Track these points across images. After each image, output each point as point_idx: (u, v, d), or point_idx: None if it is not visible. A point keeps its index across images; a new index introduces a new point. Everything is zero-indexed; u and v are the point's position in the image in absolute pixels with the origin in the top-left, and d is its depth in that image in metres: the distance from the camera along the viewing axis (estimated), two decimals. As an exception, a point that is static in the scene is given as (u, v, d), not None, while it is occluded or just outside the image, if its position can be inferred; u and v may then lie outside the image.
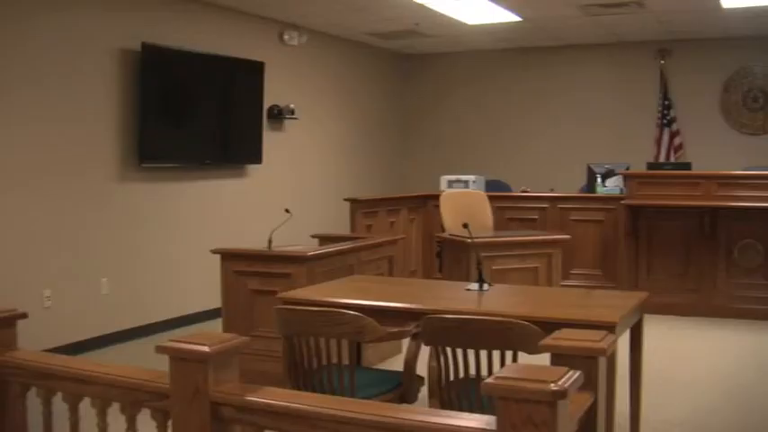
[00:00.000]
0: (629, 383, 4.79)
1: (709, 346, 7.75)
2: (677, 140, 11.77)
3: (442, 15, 10.03)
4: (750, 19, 10.30)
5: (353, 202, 9.42)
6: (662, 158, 11.62)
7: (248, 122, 9.73)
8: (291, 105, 10.41)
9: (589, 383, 2.93)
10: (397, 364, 5.35)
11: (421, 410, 2.90)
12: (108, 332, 7.92)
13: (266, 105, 10.09)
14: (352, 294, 4.83)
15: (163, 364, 2.93)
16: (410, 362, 4.30)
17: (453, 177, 10.32)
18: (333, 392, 3.93)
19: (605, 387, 3.13)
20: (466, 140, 12.87)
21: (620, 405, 4.43)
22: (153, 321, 8.38)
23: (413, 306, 4.47)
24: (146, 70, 8.19)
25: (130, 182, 8.26)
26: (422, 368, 4.21)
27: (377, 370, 5.22)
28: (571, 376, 2.43)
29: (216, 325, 7.08)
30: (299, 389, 4.08)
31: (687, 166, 9.71)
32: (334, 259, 6.43)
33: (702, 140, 11.69)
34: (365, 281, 5.82)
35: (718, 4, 9.48)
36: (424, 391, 4.28)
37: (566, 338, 3.08)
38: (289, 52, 10.54)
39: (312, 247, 6.62)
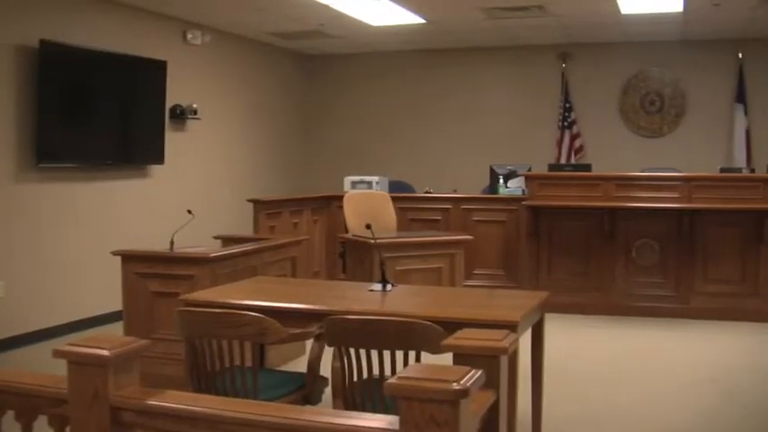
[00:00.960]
0: (531, 381, 4.87)
1: (609, 342, 7.92)
2: (578, 142, 11.99)
3: (347, 16, 10.04)
4: (647, 24, 10.55)
5: (257, 202, 9.36)
6: (563, 160, 11.82)
7: (150, 122, 9.59)
8: (195, 105, 10.30)
9: (491, 382, 2.95)
10: (300, 365, 5.34)
11: (324, 411, 2.90)
12: (4, 337, 7.70)
13: (169, 105, 9.96)
14: (254, 296, 4.80)
15: (62, 368, 2.87)
16: (313, 363, 4.29)
17: (357, 178, 10.32)
18: (236, 395, 3.90)
19: (507, 385, 3.16)
20: (370, 141, 12.90)
21: (522, 402, 4.49)
22: (52, 325, 8.17)
23: (316, 307, 4.46)
24: (44, 68, 7.99)
25: (27, 182, 8.06)
26: (326, 369, 4.21)
27: (280, 371, 5.19)
28: (473, 375, 2.45)
29: (117, 328, 6.96)
30: (201, 392, 4.03)
31: (587, 167, 9.87)
32: (237, 261, 6.38)
33: (602, 142, 11.94)
34: (268, 282, 5.79)
35: (617, 10, 9.68)
36: (327, 392, 4.28)
37: (468, 338, 3.11)
38: (192, 51, 10.43)
39: (215, 249, 6.56)
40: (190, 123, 10.40)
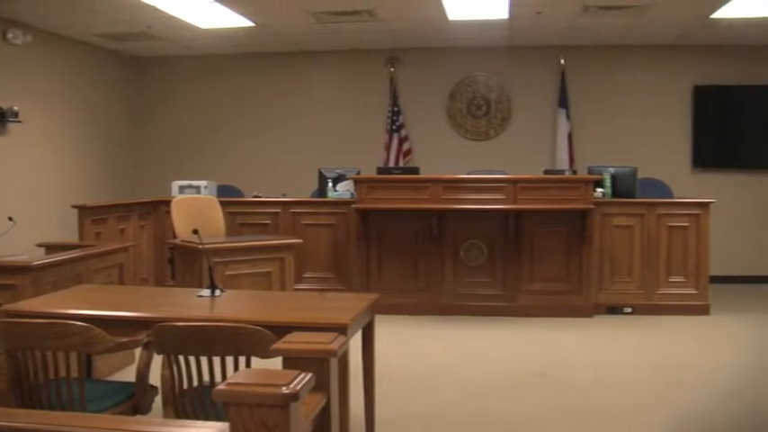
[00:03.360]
0: (363, 382, 4.91)
1: (439, 342, 8.05)
2: (406, 146, 12.15)
3: (175, 18, 9.88)
4: (474, 31, 10.80)
5: (82, 208, 9.09)
6: (391, 163, 11.95)
7: (-33, 126, 9.21)
8: (15, 108, 9.92)
9: (321, 384, 2.97)
10: (129, 374, 5.22)
11: (154, 421, 2.85)
12: None
13: (-13, 107, 9.59)
14: (80, 305, 4.66)
15: None
16: (142, 372, 4.21)
17: (185, 183, 10.16)
18: (62, 407, 3.79)
19: (338, 387, 3.18)
20: (198, 146, 12.73)
21: (354, 403, 4.52)
22: None
23: (143, 314, 4.37)
24: None
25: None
26: (155, 377, 4.14)
27: (109, 382, 5.06)
28: (302, 379, 2.47)
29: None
30: (25, 406, 3.90)
31: (415, 170, 10.01)
32: (61, 269, 6.18)
33: (430, 146, 12.15)
34: (94, 290, 5.64)
35: (445, 16, 9.87)
36: (158, 400, 4.20)
37: (297, 342, 3.12)
38: (13, 52, 10.04)
39: (38, 257, 6.33)
40: (11, 127, 10.02)
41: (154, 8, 9.29)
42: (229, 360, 3.70)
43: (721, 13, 9.79)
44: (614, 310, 9.29)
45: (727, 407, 5.85)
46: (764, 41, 11.52)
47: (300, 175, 11.29)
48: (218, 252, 6.76)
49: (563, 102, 11.97)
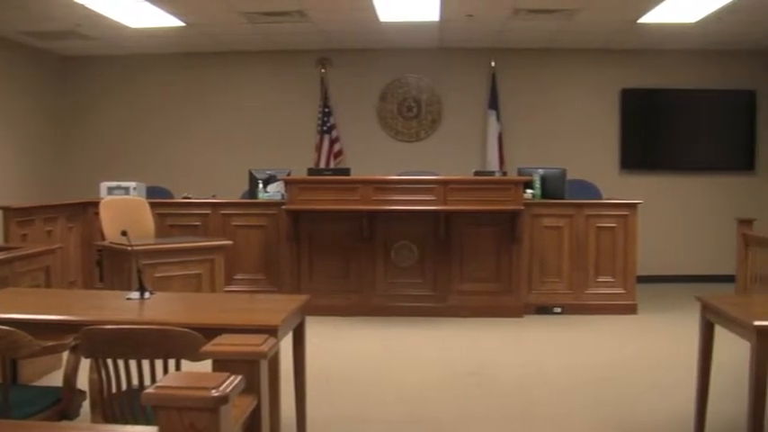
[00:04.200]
0: (294, 384, 4.90)
1: (370, 343, 8.06)
2: (337, 147, 12.14)
3: (104, 17, 9.75)
4: (405, 32, 10.84)
5: (7, 210, 8.93)
6: (322, 164, 11.93)
7: None
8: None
9: (252, 387, 2.96)
10: (56, 379, 5.14)
11: (82, 426, 2.82)
12: None
13: None
14: (4, 308, 4.56)
15: None
16: (69, 376, 4.14)
17: (114, 184, 10.03)
18: (-15, 414, 3.72)
19: (268, 389, 3.17)
20: (127, 146, 12.57)
21: (286, 405, 4.50)
22: None
23: (70, 318, 4.30)
24: None
25: None
26: (83, 382, 4.08)
27: (35, 387, 4.98)
28: (232, 381, 2.45)
29: None
30: (-55, 413, 3.82)
31: (346, 171, 10.01)
32: (-15, 271, 6.08)
33: (361, 147, 12.16)
34: (20, 293, 5.54)
35: (376, 17, 9.88)
36: (86, 405, 4.13)
37: (227, 344, 3.10)
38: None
39: (-39, 259, 6.22)
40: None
41: (83, 6, 9.16)
42: (159, 363, 3.66)
43: (647, 19, 9.96)
44: (544, 310, 9.39)
45: (654, 404, 5.94)
46: (689, 46, 11.75)
47: (231, 177, 11.22)
48: (147, 254, 6.69)
49: (493, 104, 12.07)
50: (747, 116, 12.25)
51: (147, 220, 8.38)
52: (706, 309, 4.71)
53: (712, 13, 9.66)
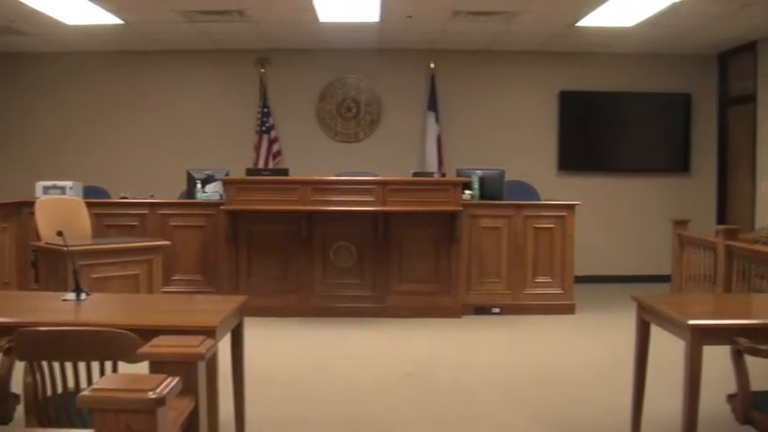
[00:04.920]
0: (233, 385, 4.88)
1: (309, 344, 8.04)
2: (276, 147, 12.10)
3: (40, 13, 9.59)
4: (345, 33, 10.84)
5: (-62, 210, 8.79)
6: (261, 164, 11.88)
7: None
8: None
9: (189, 388, 2.94)
10: (-11, 381, 5.06)
11: (16, 431, 2.77)
12: None
13: None
14: (-64, 309, 4.50)
15: None
16: (3, 379, 4.08)
17: (49, 183, 9.89)
18: None
19: (206, 391, 3.15)
20: (64, 145, 12.38)
21: (224, 407, 4.48)
22: None
23: (4, 319, 4.22)
24: None
25: None
26: (17, 385, 4.01)
27: (-34, 389, 4.90)
28: (169, 383, 2.43)
29: None
30: None
31: (285, 171, 9.97)
32: None
33: (300, 147, 12.14)
34: (-48, 294, 5.46)
35: (316, 18, 9.87)
36: (20, 409, 4.07)
37: (163, 345, 3.08)
38: None
39: None
40: None
41: (18, 2, 9.02)
42: (95, 365, 3.62)
43: (586, 22, 10.07)
44: (482, 310, 9.45)
45: (591, 402, 6.01)
46: (626, 50, 11.91)
47: (169, 176, 11.11)
48: (83, 254, 6.61)
49: (432, 105, 12.12)
50: (682, 119, 12.45)
51: (84, 220, 8.27)
52: (642, 308, 4.78)
53: (649, 18, 9.80)
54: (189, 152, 11.88)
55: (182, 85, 12.36)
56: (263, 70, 12.22)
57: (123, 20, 10.05)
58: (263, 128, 12.07)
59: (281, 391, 6.28)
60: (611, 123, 12.40)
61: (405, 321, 8.99)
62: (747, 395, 3.93)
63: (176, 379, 2.49)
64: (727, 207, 12.45)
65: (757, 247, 8.38)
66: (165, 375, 2.47)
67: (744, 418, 3.95)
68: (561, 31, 10.75)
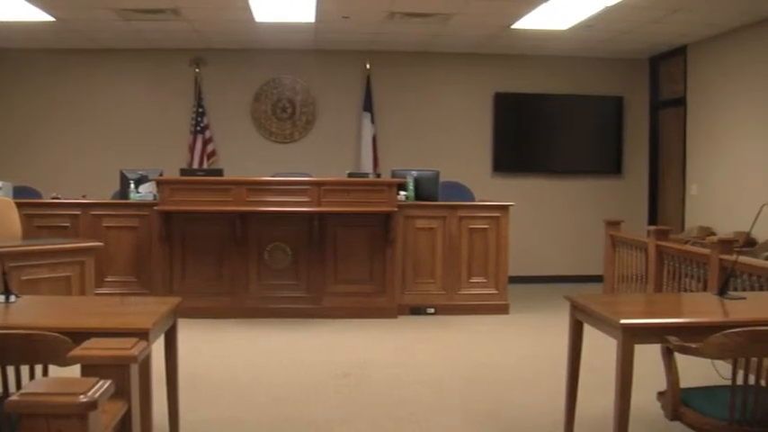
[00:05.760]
0: (167, 387, 4.83)
1: (244, 345, 8.00)
2: (210, 147, 12.02)
3: (-36, 9, 9.43)
4: (280, 33, 10.81)
5: None
6: (195, 165, 11.80)
7: None
8: None
9: (122, 391, 2.91)
10: None
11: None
12: None
13: None
14: None
15: None
16: (-72, 383, 4.00)
17: (-22, 183, 9.72)
18: None
19: (139, 393, 3.11)
20: (-7, 144, 12.20)
21: (158, 409, 4.44)
22: None
23: (-70, 322, 4.15)
24: None
25: None
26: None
27: None
28: (101, 386, 2.40)
29: None
30: None
31: (219, 172, 9.91)
32: None
33: (234, 148, 12.08)
34: None
35: (252, 17, 9.82)
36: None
37: (95, 348, 3.03)
38: None
39: None
40: None
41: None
42: (24, 369, 3.56)
43: (521, 24, 10.16)
44: (418, 310, 9.48)
45: (525, 401, 6.07)
46: (560, 52, 12.05)
47: (102, 177, 10.99)
48: (13, 256, 6.48)
49: (368, 106, 12.14)
50: (615, 121, 12.63)
51: (14, 220, 8.12)
52: (575, 308, 4.82)
53: (583, 21, 9.92)
54: (122, 152, 11.76)
55: (116, 84, 12.21)
56: (197, 70, 12.13)
57: (53, 17, 9.89)
58: (198, 128, 11.99)
59: (215, 393, 6.24)
60: (545, 125, 12.52)
61: (340, 322, 9.00)
62: (677, 392, 3.99)
63: (108, 382, 2.46)
64: (659, 208, 12.66)
65: (687, 248, 8.54)
66: (96, 378, 2.44)
67: (673, 415, 4.01)
68: (497, 34, 10.83)
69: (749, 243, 8.90)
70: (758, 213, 5.04)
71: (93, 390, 2.35)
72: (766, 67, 9.80)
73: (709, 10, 9.32)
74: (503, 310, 9.59)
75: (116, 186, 10.06)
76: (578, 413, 5.02)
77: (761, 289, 6.80)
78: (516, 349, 7.94)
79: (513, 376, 6.87)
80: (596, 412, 5.49)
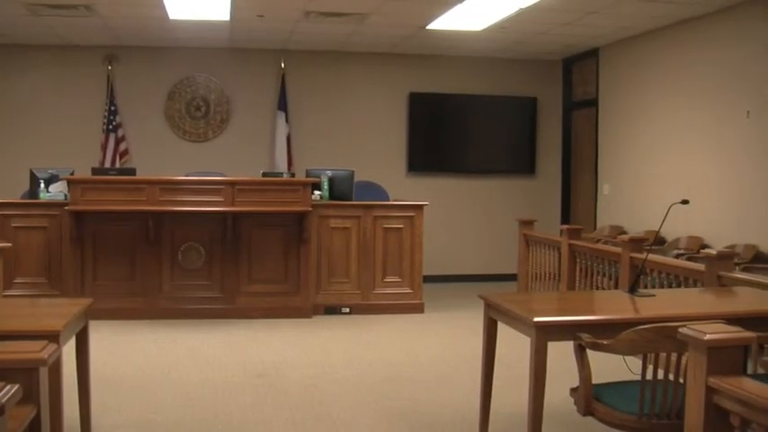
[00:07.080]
0: (78, 391, 4.78)
1: (157, 346, 7.90)
2: (123, 146, 11.86)
3: None
4: (196, 31, 10.71)
5: None
6: (108, 164, 11.62)
7: None
8: None
9: (30, 396, 2.86)
10: None
11: None
12: None
13: None
14: None
15: None
16: None
17: None
18: None
19: (49, 397, 3.06)
20: None
21: (70, 413, 4.37)
22: None
23: None
24: None
25: None
26: None
27: None
28: (8, 391, 2.36)
29: None
30: None
31: (132, 171, 9.79)
32: None
33: (148, 146, 11.94)
34: None
35: (166, 15, 9.71)
36: None
37: (2, 351, 2.98)
38: None
39: None
40: None
41: None
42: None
43: (436, 25, 10.22)
44: (332, 310, 9.49)
45: (441, 399, 6.13)
46: (475, 53, 12.17)
47: (10, 176, 10.77)
48: None
49: (283, 105, 12.11)
50: (529, 122, 12.80)
51: None
52: (489, 307, 4.87)
53: (497, 23, 10.02)
54: (32, 151, 11.50)
55: (26, 80, 11.93)
56: (110, 67, 11.95)
57: (-42, 10, 9.67)
58: (110, 126, 11.81)
59: (128, 396, 6.17)
60: (460, 125, 12.63)
61: (255, 322, 8.96)
62: (589, 388, 4.07)
63: (16, 386, 2.42)
64: (572, 207, 12.86)
65: (599, 246, 8.70)
66: (3, 383, 2.40)
67: (585, 410, 4.08)
68: (412, 34, 10.88)
69: (659, 241, 9.11)
70: (666, 213, 5.17)
71: (0, 395, 2.30)
72: (676, 69, 10.03)
73: (621, 14, 9.49)
74: (417, 309, 9.65)
75: (26, 186, 9.86)
76: (493, 410, 5.08)
77: (670, 286, 6.97)
78: (431, 348, 8.00)
79: (429, 375, 6.92)
80: (511, 409, 5.57)
